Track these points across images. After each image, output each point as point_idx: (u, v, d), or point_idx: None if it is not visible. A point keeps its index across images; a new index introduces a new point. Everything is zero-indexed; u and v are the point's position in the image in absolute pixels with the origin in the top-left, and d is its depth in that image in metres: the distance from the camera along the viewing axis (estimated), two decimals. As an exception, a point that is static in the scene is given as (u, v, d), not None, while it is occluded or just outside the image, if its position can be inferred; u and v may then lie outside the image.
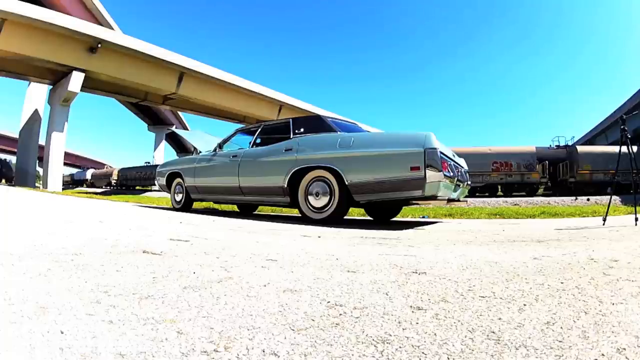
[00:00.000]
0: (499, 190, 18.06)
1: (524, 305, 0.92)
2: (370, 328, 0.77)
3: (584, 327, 0.77)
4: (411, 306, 0.92)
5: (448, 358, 0.64)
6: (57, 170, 17.59)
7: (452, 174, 3.25)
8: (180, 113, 38.01)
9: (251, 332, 0.74)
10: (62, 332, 0.70)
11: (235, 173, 4.24)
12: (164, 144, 41.69)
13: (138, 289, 1.01)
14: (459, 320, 0.82)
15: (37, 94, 21.45)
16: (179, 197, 5.28)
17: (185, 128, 41.13)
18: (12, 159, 31.44)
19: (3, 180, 24.96)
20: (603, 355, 0.64)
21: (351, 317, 0.84)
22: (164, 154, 40.59)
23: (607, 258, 1.57)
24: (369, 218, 4.77)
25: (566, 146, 18.98)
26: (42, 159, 18.11)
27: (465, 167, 4.17)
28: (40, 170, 20.87)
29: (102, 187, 33.50)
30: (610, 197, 4.11)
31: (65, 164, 23.94)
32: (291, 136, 3.90)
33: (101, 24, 21.15)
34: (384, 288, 1.09)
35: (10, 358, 0.60)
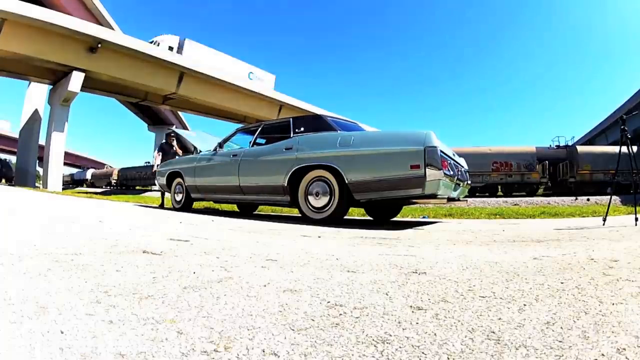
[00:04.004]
0: (499, 190, 18.05)
1: (524, 305, 0.92)
2: (370, 328, 0.77)
3: (584, 327, 0.77)
4: (411, 306, 0.92)
5: (448, 358, 0.64)
6: (57, 170, 17.57)
7: (452, 172, 3.25)
8: (180, 113, 37.97)
9: (251, 332, 0.74)
10: (62, 332, 0.70)
11: (236, 172, 4.24)
12: (164, 144, 41.65)
13: (138, 289, 1.01)
14: (459, 320, 0.82)
15: (37, 94, 21.44)
16: (179, 197, 5.28)
17: (185, 128, 41.08)
18: (12, 159, 31.43)
19: (3, 180, 24.95)
20: (603, 355, 0.64)
21: (351, 317, 0.84)
22: (164, 154, 40.54)
23: (607, 258, 1.57)
24: (369, 218, 4.77)
25: (566, 146, 18.97)
26: (42, 159, 18.11)
27: (465, 166, 4.17)
28: (40, 170, 20.87)
29: (102, 187, 33.48)
30: (610, 197, 4.11)
31: (65, 164, 23.93)
32: (291, 135, 3.90)
33: (101, 24, 21.12)
34: (384, 288, 1.09)
35: (10, 358, 0.60)
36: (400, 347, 0.68)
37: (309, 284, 1.12)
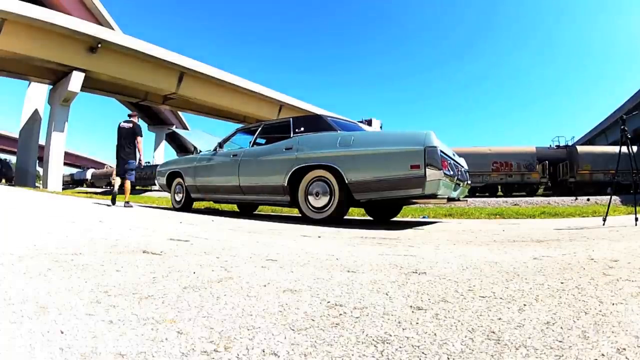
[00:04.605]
0: (499, 190, 18.05)
1: (524, 305, 0.92)
2: (370, 328, 0.77)
3: (584, 327, 0.77)
4: (411, 306, 0.92)
5: (448, 358, 0.64)
6: (57, 170, 17.57)
7: (452, 172, 3.25)
8: (180, 113, 37.99)
9: (251, 332, 0.74)
10: (62, 332, 0.70)
11: (236, 172, 4.25)
12: (164, 144, 41.68)
13: (138, 289, 1.01)
14: (459, 320, 0.82)
15: (37, 94, 21.41)
16: (179, 197, 5.28)
17: (185, 128, 41.09)
18: (12, 159, 31.43)
19: (3, 180, 24.93)
20: (603, 355, 0.64)
21: (351, 317, 0.84)
22: (164, 154, 40.59)
23: (607, 258, 1.57)
24: (369, 218, 4.77)
25: (566, 146, 18.97)
26: (42, 159, 18.11)
27: (465, 166, 4.17)
28: (40, 170, 20.87)
29: (102, 187, 33.48)
30: (610, 197, 4.10)
31: (65, 164, 23.92)
32: (291, 135, 3.90)
33: (101, 24, 21.12)
34: (384, 288, 1.09)
35: (10, 358, 0.60)
36: (400, 347, 0.68)
37: (309, 284, 1.12)
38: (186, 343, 0.68)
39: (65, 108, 17.69)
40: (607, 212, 3.58)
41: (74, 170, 48.38)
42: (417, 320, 0.82)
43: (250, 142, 4.49)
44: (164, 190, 5.88)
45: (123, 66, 18.17)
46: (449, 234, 2.85)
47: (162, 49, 19.16)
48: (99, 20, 23.97)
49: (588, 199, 10.43)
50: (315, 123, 3.95)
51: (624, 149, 3.58)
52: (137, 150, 5.71)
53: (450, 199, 3.43)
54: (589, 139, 31.39)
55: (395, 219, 4.70)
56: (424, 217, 5.17)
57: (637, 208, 3.28)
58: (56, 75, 17.87)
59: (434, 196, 3.09)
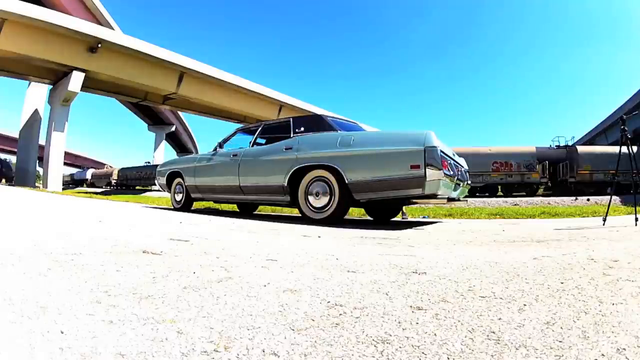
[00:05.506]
0: (499, 190, 18.07)
1: (524, 305, 0.92)
2: (370, 328, 0.77)
3: (584, 327, 0.77)
4: (411, 306, 0.92)
5: (448, 358, 0.64)
6: (57, 170, 17.59)
7: (452, 172, 3.25)
8: (180, 113, 38.02)
9: (251, 332, 0.74)
10: (62, 332, 0.70)
11: (236, 172, 4.25)
12: (164, 144, 41.72)
13: (138, 289, 1.01)
14: (459, 320, 0.82)
15: (37, 94, 21.45)
16: (179, 197, 5.28)
17: (185, 128, 41.12)
18: (12, 159, 31.45)
19: (3, 180, 24.94)
20: (603, 355, 0.64)
21: (351, 317, 0.84)
22: (164, 154, 40.62)
23: (607, 258, 1.57)
24: (369, 218, 4.77)
25: (566, 146, 18.99)
26: (42, 159, 18.12)
27: (466, 166, 4.17)
28: (40, 170, 20.89)
29: (102, 187, 33.49)
30: (610, 197, 4.10)
31: (65, 163, 23.95)
32: (291, 135, 3.90)
33: (101, 24, 21.13)
34: (384, 288, 1.09)
35: (10, 358, 0.60)
36: (400, 347, 0.68)
37: (309, 284, 1.12)
38: (186, 343, 0.68)
39: (65, 108, 17.70)
40: (607, 212, 3.58)
41: (74, 170, 48.41)
42: (417, 320, 0.82)
43: (250, 142, 4.48)
44: (164, 190, 5.88)
45: (123, 66, 18.19)
46: (449, 234, 2.85)
47: (162, 49, 19.18)
48: (99, 20, 23.98)
49: (588, 199, 10.43)
50: (315, 123, 3.96)
51: (624, 149, 3.58)
52: None
53: (450, 199, 3.43)
54: (589, 139, 31.40)
55: (395, 219, 4.70)
56: (424, 217, 5.18)
57: (637, 208, 3.28)
58: (56, 75, 17.88)
59: (434, 196, 3.09)
